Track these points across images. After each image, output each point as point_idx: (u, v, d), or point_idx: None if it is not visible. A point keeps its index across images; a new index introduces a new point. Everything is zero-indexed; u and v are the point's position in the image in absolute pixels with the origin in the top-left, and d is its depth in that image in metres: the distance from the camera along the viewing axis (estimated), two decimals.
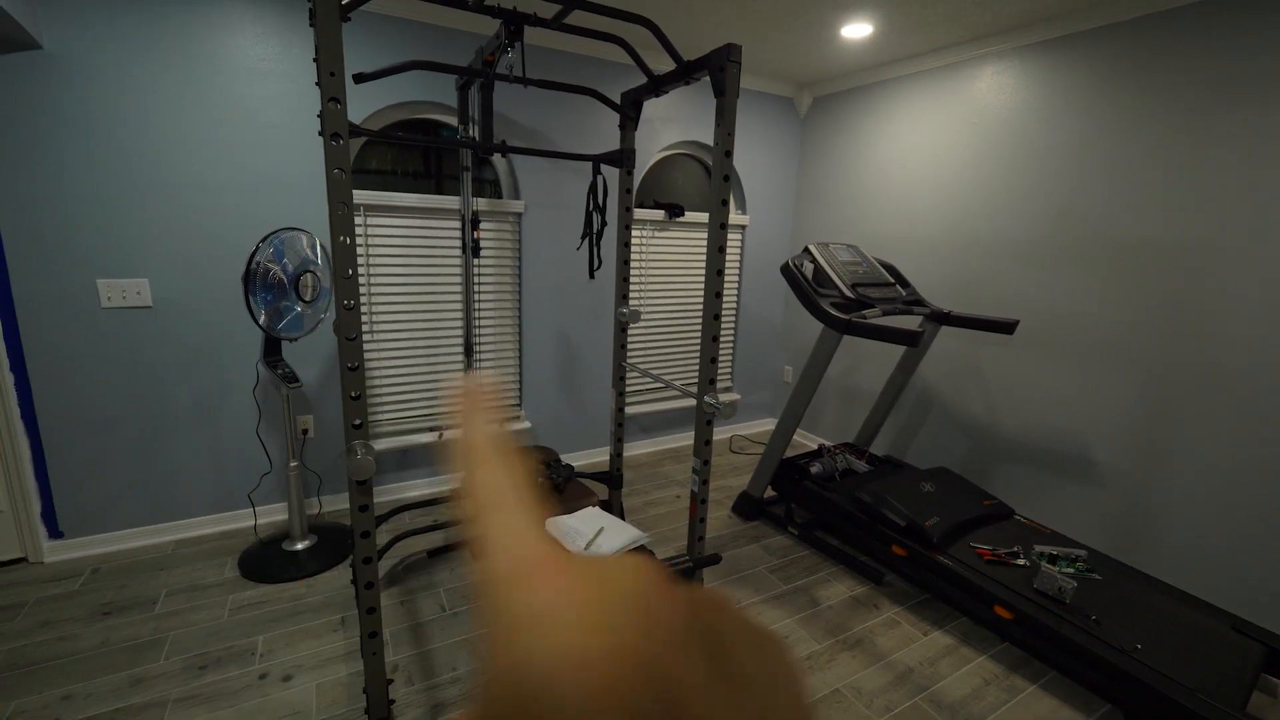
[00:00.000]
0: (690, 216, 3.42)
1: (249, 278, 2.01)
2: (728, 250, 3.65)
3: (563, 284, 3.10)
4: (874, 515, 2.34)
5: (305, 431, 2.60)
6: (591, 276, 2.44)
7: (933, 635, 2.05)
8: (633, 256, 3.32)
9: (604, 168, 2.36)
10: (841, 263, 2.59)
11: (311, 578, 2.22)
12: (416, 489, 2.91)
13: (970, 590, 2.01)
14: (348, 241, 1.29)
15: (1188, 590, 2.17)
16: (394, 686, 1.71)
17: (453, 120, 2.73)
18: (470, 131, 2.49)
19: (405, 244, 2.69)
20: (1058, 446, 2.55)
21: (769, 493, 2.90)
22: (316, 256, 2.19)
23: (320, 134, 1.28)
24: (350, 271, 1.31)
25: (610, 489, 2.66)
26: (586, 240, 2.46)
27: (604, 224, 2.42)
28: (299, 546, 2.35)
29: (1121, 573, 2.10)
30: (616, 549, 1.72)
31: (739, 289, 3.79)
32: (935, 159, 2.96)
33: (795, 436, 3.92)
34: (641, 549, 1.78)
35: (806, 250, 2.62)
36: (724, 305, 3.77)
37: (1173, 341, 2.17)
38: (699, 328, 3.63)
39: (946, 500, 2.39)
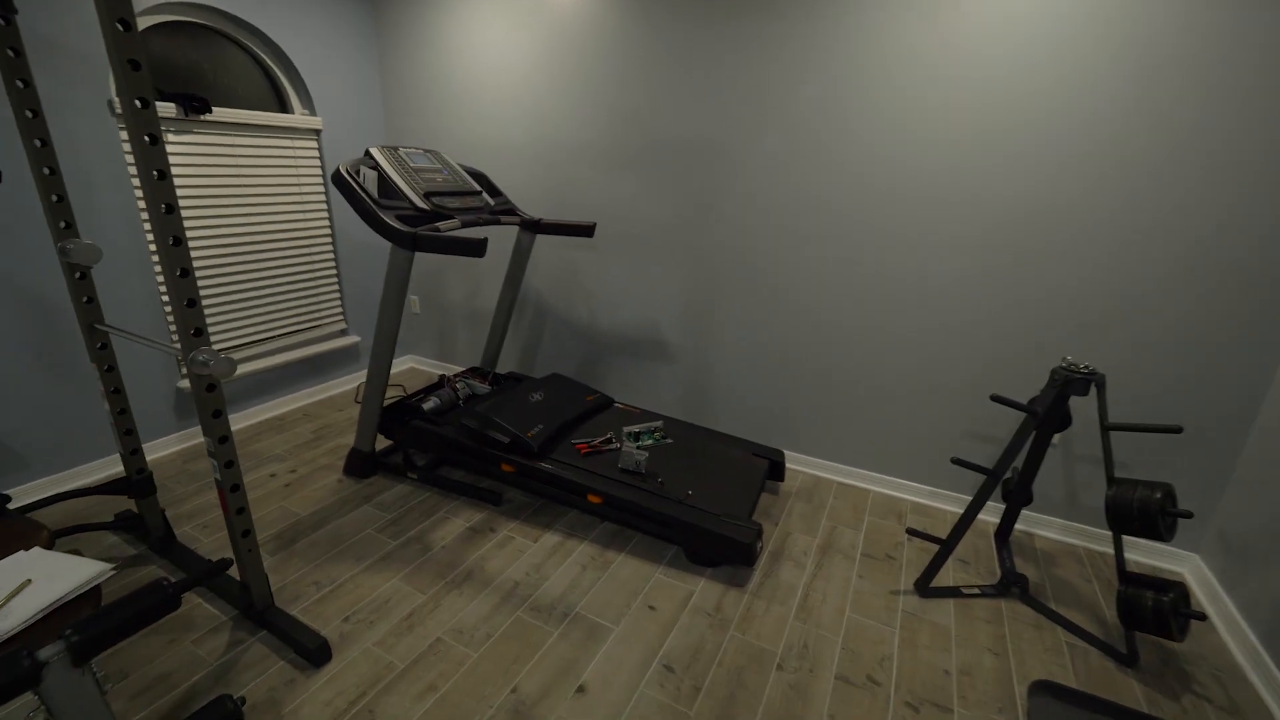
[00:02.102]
0: (224, 114, 2.56)
1: None
2: (306, 163, 2.94)
3: (20, 215, 2.00)
4: (481, 439, 2.25)
5: None
6: None
7: (543, 538, 2.11)
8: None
9: None
10: (414, 170, 2.26)
11: None
12: None
13: (569, 487, 2.10)
14: None
15: (731, 433, 2.73)
16: None
17: None
18: None
19: None
20: (642, 335, 2.85)
21: (385, 443, 2.58)
22: None
23: None
24: None
25: (135, 499, 1.93)
26: None
27: None
28: None
29: (689, 432, 2.49)
30: (45, 606, 1.15)
31: (329, 209, 3.13)
32: (516, 60, 2.78)
33: (436, 370, 3.64)
34: (96, 590, 1.25)
35: (368, 154, 2.20)
36: (316, 229, 3.08)
37: (704, 230, 2.53)
38: (269, 260, 2.88)
39: (553, 406, 2.45)
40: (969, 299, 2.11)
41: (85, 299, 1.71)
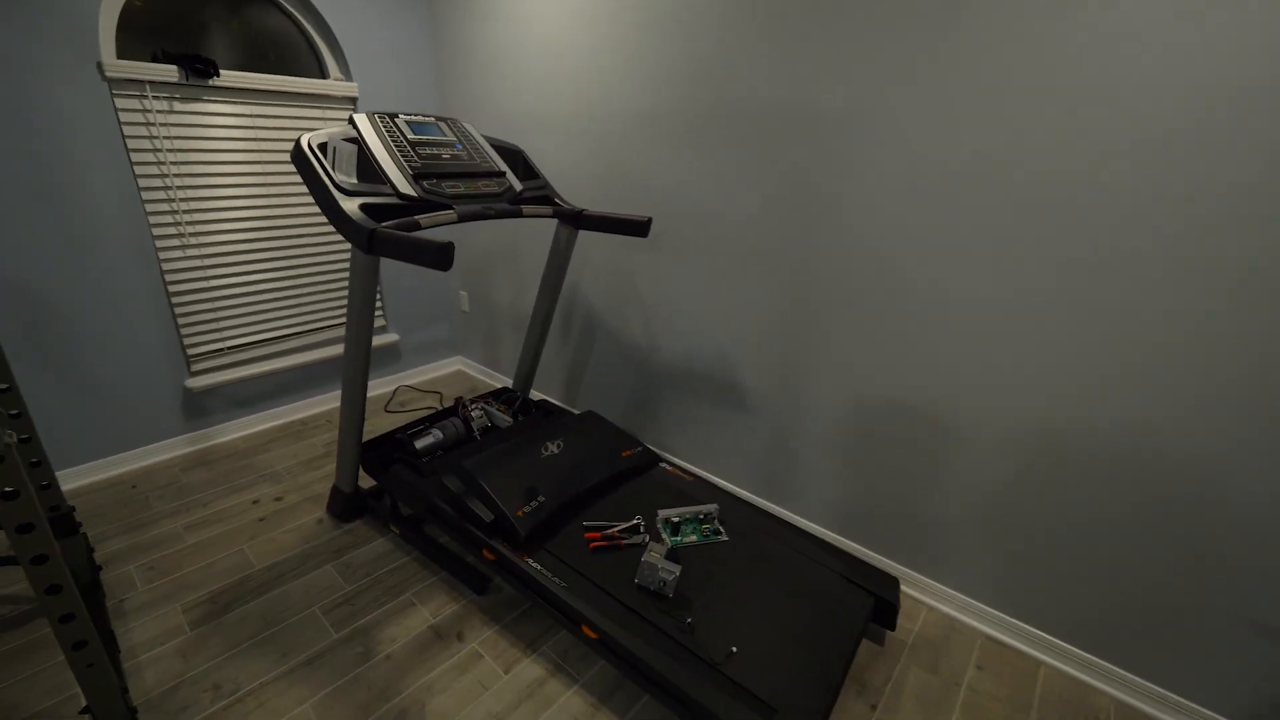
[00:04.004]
0: (236, 78, 2.21)
1: None
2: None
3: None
4: (460, 507, 1.67)
5: None
6: None
7: (518, 668, 1.49)
8: (141, 144, 2.07)
9: None
10: (410, 143, 1.71)
11: None
12: None
13: (557, 605, 1.46)
14: None
15: (821, 531, 1.92)
16: None
17: None
18: None
19: None
20: (710, 372, 2.11)
21: (371, 482, 2.13)
22: None
23: None
24: None
25: (58, 539, 1.63)
26: None
27: None
28: None
29: (756, 525, 1.73)
30: None
31: None
32: (567, 24, 2.12)
33: (487, 380, 3.19)
34: None
35: (352, 123, 1.68)
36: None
37: (806, 234, 1.71)
38: (297, 247, 2.50)
39: (571, 464, 1.81)
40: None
41: None
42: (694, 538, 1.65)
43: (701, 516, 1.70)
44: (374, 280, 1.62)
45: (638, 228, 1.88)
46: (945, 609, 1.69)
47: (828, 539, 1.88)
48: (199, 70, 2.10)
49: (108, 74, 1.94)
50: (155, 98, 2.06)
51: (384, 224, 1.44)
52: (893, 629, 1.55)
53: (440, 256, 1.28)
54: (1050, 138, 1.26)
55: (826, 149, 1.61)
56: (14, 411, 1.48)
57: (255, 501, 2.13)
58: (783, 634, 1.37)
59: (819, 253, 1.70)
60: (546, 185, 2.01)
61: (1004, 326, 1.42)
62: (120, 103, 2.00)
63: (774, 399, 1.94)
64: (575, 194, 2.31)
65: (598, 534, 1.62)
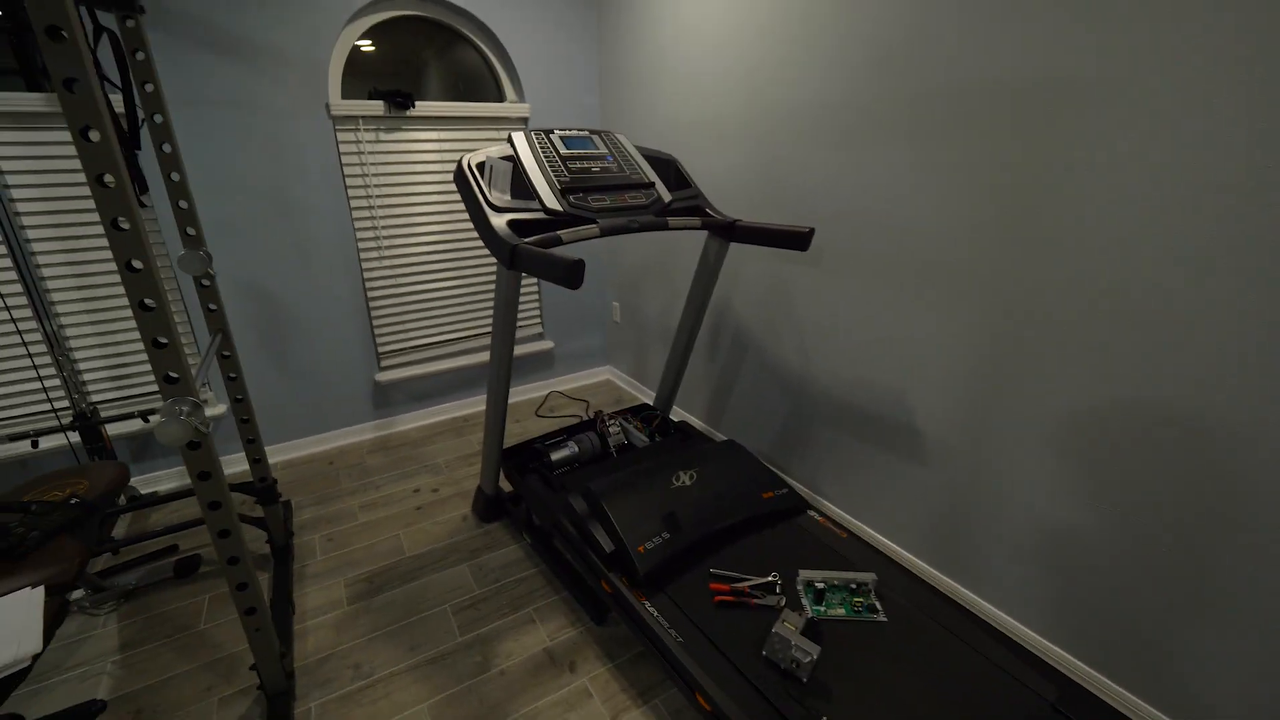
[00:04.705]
0: (427, 108, 2.45)
1: None
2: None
3: (249, 215, 2.21)
4: (584, 530, 1.60)
5: None
6: (140, 204, 1.56)
7: (627, 718, 1.37)
8: (353, 169, 2.40)
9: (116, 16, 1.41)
10: (562, 158, 1.71)
11: None
12: None
13: (669, 659, 1.30)
14: None
15: (1012, 622, 1.49)
16: None
17: None
18: None
19: None
20: (878, 410, 1.78)
21: (510, 486, 2.18)
22: None
23: None
24: None
25: (263, 505, 1.91)
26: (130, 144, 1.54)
27: (137, 119, 1.49)
28: None
29: (923, 606, 1.39)
30: None
31: None
32: (727, 11, 1.98)
33: (633, 392, 3.16)
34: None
35: (510, 141, 1.73)
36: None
37: (1022, 252, 1.34)
38: (472, 261, 2.76)
39: (705, 499, 1.64)
40: None
41: (211, 306, 1.66)
42: (841, 611, 1.37)
43: (854, 586, 1.42)
44: (516, 293, 1.63)
45: (797, 240, 1.65)
46: None
47: (1029, 642, 1.46)
48: (399, 103, 2.36)
49: (333, 113, 2.27)
50: (365, 129, 2.37)
51: (527, 240, 1.43)
52: None
53: (569, 274, 1.21)
54: None
55: (1060, 141, 1.23)
56: (239, 397, 1.76)
57: (416, 490, 2.32)
58: None
59: (1038, 281, 1.31)
60: (698, 195, 1.88)
61: None
62: (340, 135, 2.33)
63: (962, 448, 1.57)
64: (734, 202, 2.15)
65: (725, 585, 1.43)
